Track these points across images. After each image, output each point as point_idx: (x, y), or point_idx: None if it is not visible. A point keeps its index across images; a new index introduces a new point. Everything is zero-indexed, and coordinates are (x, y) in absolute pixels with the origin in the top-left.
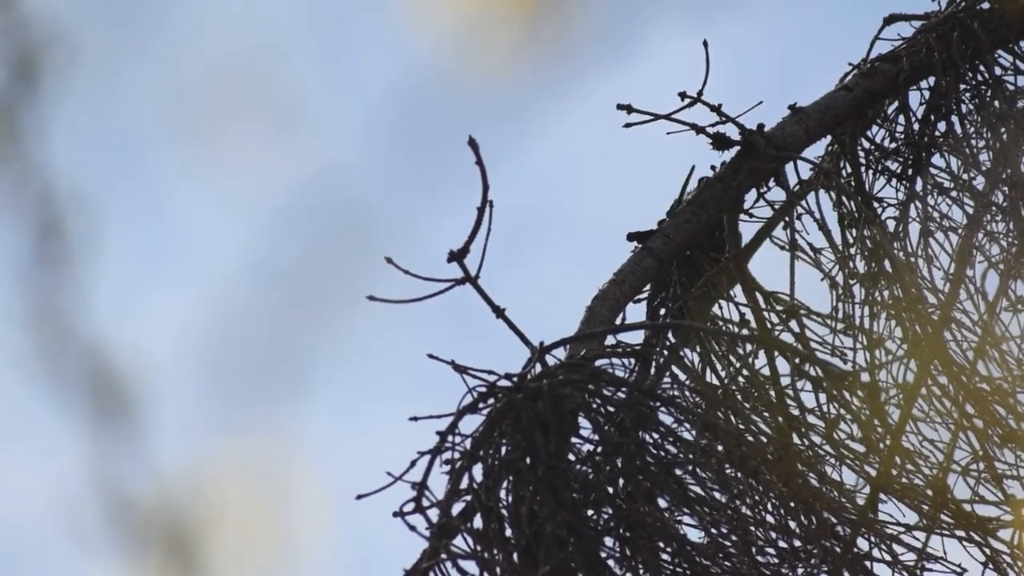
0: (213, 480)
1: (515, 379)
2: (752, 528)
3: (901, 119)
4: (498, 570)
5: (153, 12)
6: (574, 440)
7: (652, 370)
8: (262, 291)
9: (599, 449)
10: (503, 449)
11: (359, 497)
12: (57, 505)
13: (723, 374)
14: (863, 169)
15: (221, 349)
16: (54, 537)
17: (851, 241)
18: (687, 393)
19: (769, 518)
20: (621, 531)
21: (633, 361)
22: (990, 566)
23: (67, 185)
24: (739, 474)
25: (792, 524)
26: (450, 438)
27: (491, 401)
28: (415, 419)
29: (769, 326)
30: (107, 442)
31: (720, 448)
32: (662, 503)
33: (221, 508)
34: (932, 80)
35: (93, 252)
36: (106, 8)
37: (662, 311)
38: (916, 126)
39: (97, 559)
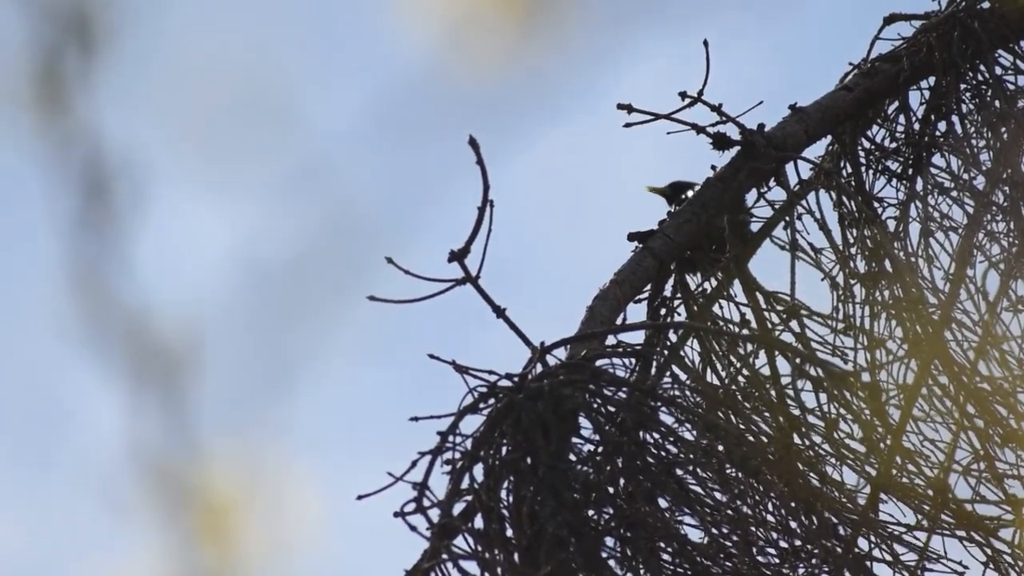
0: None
1: (516, 379)
2: (753, 528)
3: (901, 119)
4: (499, 570)
5: (147, 10)
6: (575, 440)
7: (653, 370)
8: (256, 289)
9: (600, 449)
10: (504, 449)
11: (360, 497)
12: (96, 470)
13: (724, 374)
14: (863, 169)
15: (215, 346)
16: (91, 501)
17: (851, 241)
18: (688, 393)
19: (770, 518)
20: (622, 531)
21: (634, 361)
22: (991, 566)
23: (114, 149)
24: (740, 474)
25: (793, 524)
26: (451, 438)
27: (492, 401)
28: (416, 419)
29: (770, 326)
30: (147, 408)
31: (721, 448)
32: (663, 503)
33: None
34: (932, 80)
35: (138, 218)
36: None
37: (662, 311)
38: (916, 126)
39: (131, 524)
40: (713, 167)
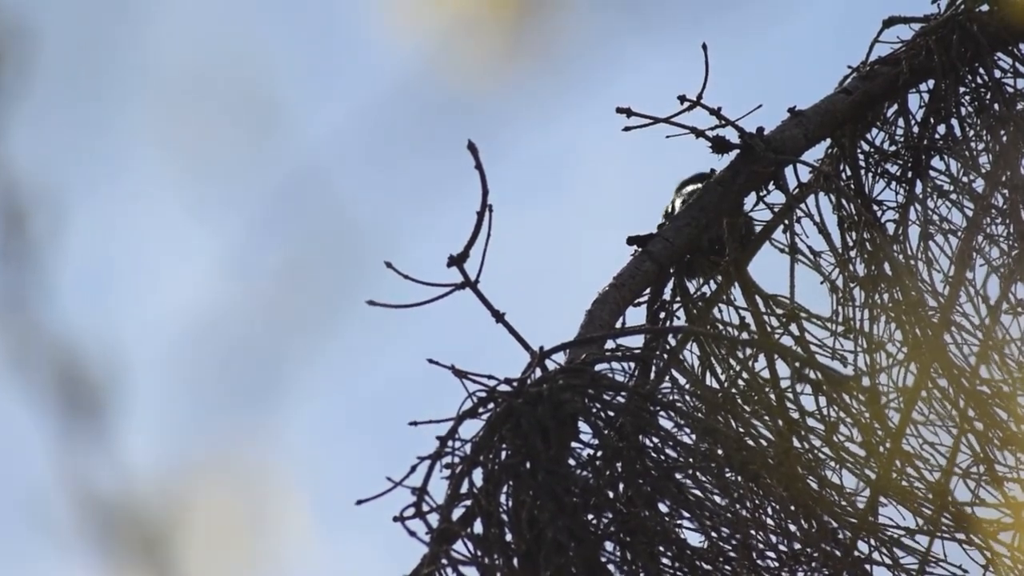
0: (188, 483)
1: (515, 384)
2: (752, 532)
3: (900, 122)
4: (498, 575)
5: (134, 12)
6: (574, 445)
7: (652, 374)
8: (245, 295)
9: (599, 453)
10: (503, 454)
11: (359, 502)
12: (27, 503)
13: (723, 378)
14: (863, 172)
15: (201, 353)
16: (25, 536)
17: (851, 244)
18: (687, 397)
19: (769, 522)
20: (621, 536)
21: (633, 365)
22: (991, 569)
23: (31, 180)
24: (739, 478)
25: (792, 528)
26: (450, 443)
27: (491, 406)
28: (415, 424)
29: (769, 329)
30: (76, 439)
31: (720, 452)
32: (662, 507)
33: (195, 511)
34: (931, 83)
35: (58, 247)
36: (87, 7)
37: (662, 315)
38: (916, 129)
39: (68, 558)
40: (712, 170)
